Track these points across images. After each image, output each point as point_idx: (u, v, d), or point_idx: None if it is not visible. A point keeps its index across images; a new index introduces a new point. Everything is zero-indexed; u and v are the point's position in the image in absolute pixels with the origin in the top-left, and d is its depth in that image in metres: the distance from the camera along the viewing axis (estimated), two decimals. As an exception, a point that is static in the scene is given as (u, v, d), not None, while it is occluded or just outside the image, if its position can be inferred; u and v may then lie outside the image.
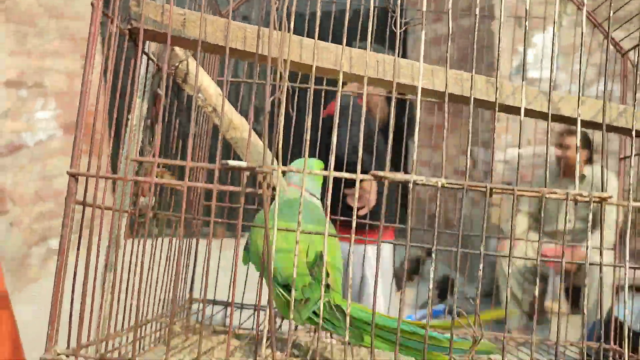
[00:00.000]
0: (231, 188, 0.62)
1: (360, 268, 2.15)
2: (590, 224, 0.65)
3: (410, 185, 0.60)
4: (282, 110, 0.61)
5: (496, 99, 0.72)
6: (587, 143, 3.32)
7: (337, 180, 0.65)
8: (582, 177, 3.24)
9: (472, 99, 0.69)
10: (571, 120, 0.89)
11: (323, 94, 1.20)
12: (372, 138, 2.10)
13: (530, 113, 0.87)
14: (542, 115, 0.88)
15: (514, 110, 0.88)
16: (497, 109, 0.72)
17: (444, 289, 3.53)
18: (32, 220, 4.10)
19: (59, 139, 4.35)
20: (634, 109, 0.92)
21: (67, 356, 0.62)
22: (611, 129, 0.91)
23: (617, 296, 2.42)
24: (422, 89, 0.75)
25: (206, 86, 0.87)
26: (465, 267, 3.87)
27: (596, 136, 3.26)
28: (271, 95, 0.61)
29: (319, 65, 0.74)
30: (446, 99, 0.67)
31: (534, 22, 3.62)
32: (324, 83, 1.22)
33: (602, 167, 0.83)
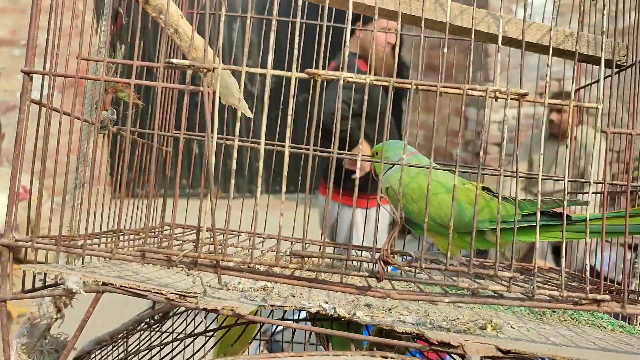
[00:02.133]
0: (175, 86, 0.66)
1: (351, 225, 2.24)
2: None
3: (341, 82, 0.64)
4: (223, 13, 0.65)
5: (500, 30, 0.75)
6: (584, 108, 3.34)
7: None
8: (574, 139, 3.27)
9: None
10: (517, 42, 0.92)
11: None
12: (372, 105, 2.16)
13: (478, 34, 0.91)
14: (489, 37, 0.92)
15: (464, 31, 0.92)
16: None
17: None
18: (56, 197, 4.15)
19: (55, 98, 4.37)
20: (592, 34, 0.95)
21: (25, 242, 0.67)
22: (559, 52, 0.95)
23: (595, 247, 2.47)
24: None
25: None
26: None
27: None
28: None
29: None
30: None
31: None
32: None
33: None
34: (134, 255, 0.65)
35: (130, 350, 1.14)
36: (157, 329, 1.15)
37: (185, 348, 1.10)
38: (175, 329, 1.21)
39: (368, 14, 0.89)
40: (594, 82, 1.09)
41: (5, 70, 3.98)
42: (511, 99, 0.64)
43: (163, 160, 1.14)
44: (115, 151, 0.90)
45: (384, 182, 1.04)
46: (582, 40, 0.97)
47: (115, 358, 1.10)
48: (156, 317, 1.18)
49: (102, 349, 1.12)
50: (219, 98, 0.97)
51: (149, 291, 0.64)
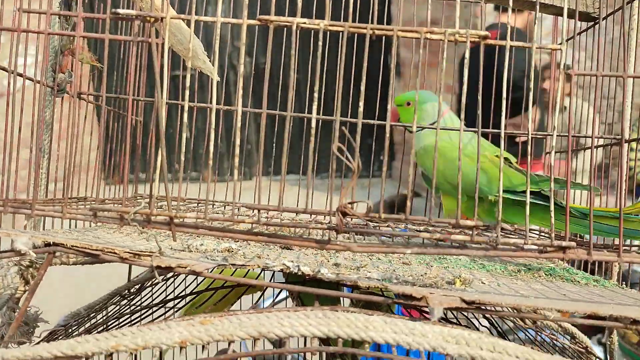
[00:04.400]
0: (122, 38, 0.64)
1: None
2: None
3: (294, 28, 0.61)
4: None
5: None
6: (569, 77, 3.31)
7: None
8: (564, 108, 3.25)
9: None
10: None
11: None
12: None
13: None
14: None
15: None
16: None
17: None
18: (20, 167, 4.12)
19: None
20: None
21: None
22: (532, 6, 0.92)
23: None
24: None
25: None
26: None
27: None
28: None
29: None
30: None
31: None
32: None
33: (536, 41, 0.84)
34: (85, 215, 0.63)
35: (109, 316, 1.13)
36: (131, 300, 1.13)
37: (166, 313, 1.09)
38: (155, 298, 1.19)
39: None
40: (570, 38, 1.06)
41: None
42: (471, 41, 0.61)
43: (133, 130, 1.11)
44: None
45: (418, 144, 1.08)
46: (555, -9, 0.94)
47: (91, 327, 1.09)
48: (132, 289, 1.16)
49: (79, 322, 1.11)
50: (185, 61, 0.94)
51: (101, 251, 0.62)
